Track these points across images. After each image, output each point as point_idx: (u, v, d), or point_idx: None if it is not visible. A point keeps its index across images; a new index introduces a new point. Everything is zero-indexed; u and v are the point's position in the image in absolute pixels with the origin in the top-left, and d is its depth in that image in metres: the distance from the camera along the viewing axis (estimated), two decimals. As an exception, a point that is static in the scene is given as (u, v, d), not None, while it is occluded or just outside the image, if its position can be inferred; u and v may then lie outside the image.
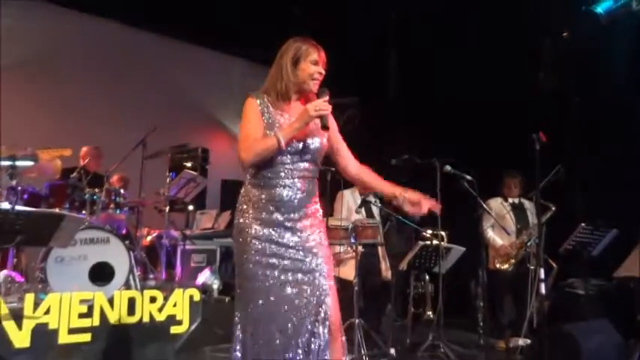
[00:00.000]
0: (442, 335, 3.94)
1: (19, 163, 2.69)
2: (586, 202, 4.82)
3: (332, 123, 2.15)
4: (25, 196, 3.98)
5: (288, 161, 2.03)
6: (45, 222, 2.61)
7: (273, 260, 1.97)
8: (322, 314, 1.95)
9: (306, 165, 2.06)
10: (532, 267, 4.23)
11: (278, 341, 1.91)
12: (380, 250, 4.65)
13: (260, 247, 1.98)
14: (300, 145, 2.04)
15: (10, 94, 5.78)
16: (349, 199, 4.56)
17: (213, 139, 7.37)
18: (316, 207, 2.12)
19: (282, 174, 2.02)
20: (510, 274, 4.52)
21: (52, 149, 3.02)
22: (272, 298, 1.94)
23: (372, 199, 4.51)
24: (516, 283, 4.48)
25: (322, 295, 1.97)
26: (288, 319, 1.93)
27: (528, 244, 4.43)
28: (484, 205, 4.02)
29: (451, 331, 4.55)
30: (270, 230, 2.00)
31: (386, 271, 4.68)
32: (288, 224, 2.02)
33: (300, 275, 1.98)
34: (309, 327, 1.93)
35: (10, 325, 3.24)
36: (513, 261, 4.50)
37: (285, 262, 1.98)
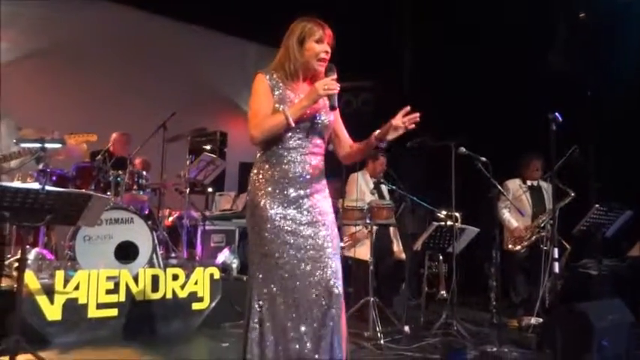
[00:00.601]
0: (455, 313, 4.01)
1: (48, 146, 2.80)
2: (600, 183, 4.79)
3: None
4: (54, 178, 4.15)
5: (299, 138, 2.06)
6: (73, 201, 2.72)
7: (287, 237, 2.01)
8: (335, 290, 2.00)
9: (315, 141, 2.09)
10: (545, 248, 4.27)
11: (294, 315, 1.97)
12: (392, 230, 4.73)
13: (274, 224, 2.01)
14: (310, 121, 2.07)
15: (36, 81, 5.96)
16: (361, 181, 4.63)
17: (230, 122, 7.47)
18: (324, 183, 2.14)
19: (293, 151, 2.05)
20: (523, 255, 4.56)
21: (78, 134, 3.13)
22: (286, 275, 1.99)
23: (384, 180, 4.59)
24: (529, 263, 4.52)
25: (334, 271, 2.02)
26: (303, 294, 1.98)
27: (542, 226, 4.45)
28: (499, 187, 4.04)
29: (464, 310, 4.63)
30: (284, 207, 2.03)
31: (399, 252, 4.76)
32: (301, 201, 2.05)
33: (312, 252, 2.02)
34: (323, 303, 1.98)
35: (42, 300, 3.44)
36: (526, 243, 4.53)
37: (299, 239, 2.01)
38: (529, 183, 4.74)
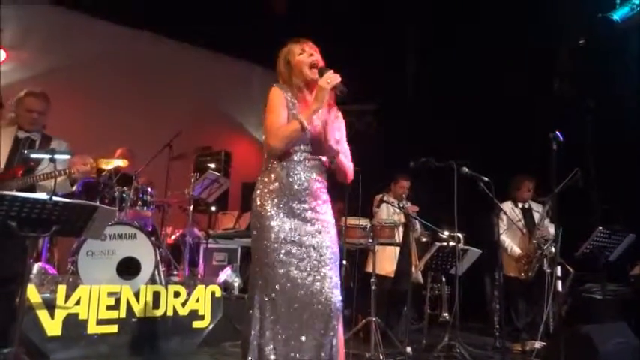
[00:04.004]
0: (458, 336, 3.97)
1: (57, 157, 2.84)
2: (603, 206, 4.80)
3: (342, 125, 2.27)
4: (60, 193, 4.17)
5: (304, 151, 2.14)
6: (80, 213, 2.73)
7: (290, 247, 2.06)
8: (335, 301, 2.04)
9: (318, 155, 2.18)
10: (548, 270, 4.24)
11: (295, 324, 2.00)
12: (412, 252, 4.73)
13: (277, 234, 2.06)
14: (315, 137, 2.15)
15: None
16: (388, 200, 4.66)
17: (235, 143, 7.54)
18: (326, 195, 2.21)
19: (298, 164, 2.13)
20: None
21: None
22: (289, 284, 2.02)
23: (389, 199, 4.60)
24: (531, 286, 4.48)
25: (335, 283, 2.07)
26: (304, 304, 2.02)
27: (544, 248, 4.43)
28: (501, 207, 4.04)
29: (467, 334, 4.58)
30: (288, 218, 2.09)
31: (416, 273, 4.73)
32: (305, 213, 2.11)
33: (314, 262, 2.06)
34: (324, 313, 2.02)
35: (43, 314, 3.42)
36: (531, 273, 4.46)
37: (302, 249, 2.06)
38: (520, 206, 4.76)
